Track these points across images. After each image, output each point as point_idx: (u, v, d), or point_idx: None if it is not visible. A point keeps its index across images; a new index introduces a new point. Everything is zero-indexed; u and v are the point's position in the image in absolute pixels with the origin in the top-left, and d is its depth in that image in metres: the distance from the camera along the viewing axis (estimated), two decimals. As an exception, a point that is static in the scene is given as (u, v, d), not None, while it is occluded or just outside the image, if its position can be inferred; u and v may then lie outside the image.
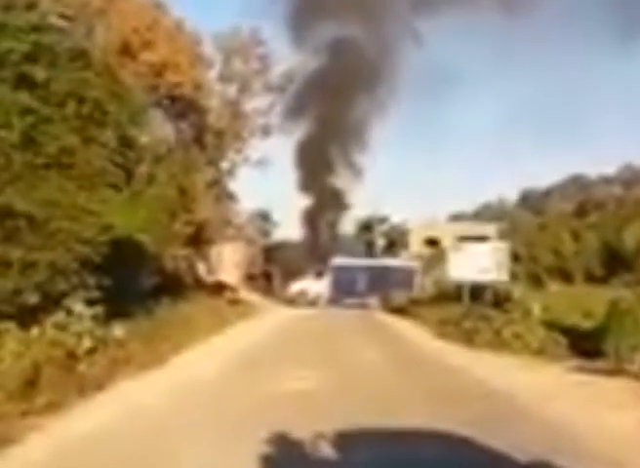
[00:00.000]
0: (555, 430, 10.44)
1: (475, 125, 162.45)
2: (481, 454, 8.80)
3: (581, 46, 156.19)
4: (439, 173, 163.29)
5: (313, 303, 53.03)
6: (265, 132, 46.73)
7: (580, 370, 16.56)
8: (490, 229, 66.76)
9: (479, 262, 30.00)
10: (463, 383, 15.42)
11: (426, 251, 67.82)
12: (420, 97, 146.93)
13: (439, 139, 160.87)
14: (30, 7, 16.96)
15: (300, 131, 67.65)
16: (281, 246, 74.35)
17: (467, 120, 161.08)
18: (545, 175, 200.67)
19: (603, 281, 41.87)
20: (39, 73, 15.64)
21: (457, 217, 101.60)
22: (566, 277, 45.76)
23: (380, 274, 55.84)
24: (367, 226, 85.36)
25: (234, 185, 49.58)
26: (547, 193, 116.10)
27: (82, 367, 13.48)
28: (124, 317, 18.60)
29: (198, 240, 39.41)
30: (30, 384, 11.16)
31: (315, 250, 67.74)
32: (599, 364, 16.43)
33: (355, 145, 72.93)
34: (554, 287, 37.80)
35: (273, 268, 68.38)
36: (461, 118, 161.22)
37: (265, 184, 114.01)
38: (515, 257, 35.65)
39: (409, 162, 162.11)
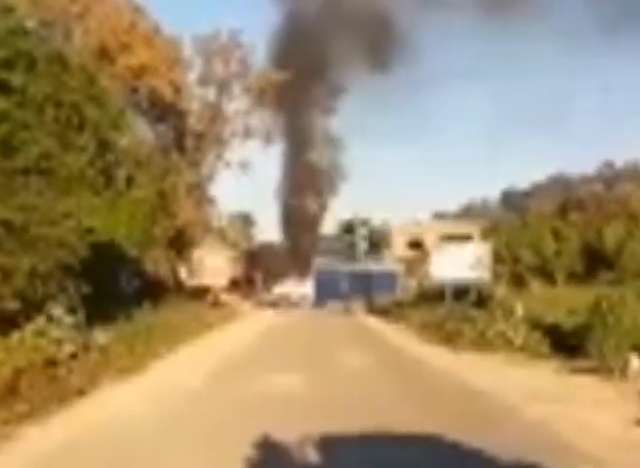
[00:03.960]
0: (539, 430, 10.43)
1: (457, 125, 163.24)
2: (466, 456, 8.78)
3: (562, 47, 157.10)
4: (421, 173, 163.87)
5: (296, 306, 53.04)
6: (246, 134, 46.62)
7: (564, 369, 16.57)
8: (472, 229, 66.93)
9: (461, 262, 30.07)
10: (447, 385, 15.41)
11: (409, 252, 67.86)
12: (405, 98, 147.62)
13: (421, 140, 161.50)
14: (7, 12, 16.84)
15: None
16: (263, 249, 74.36)
17: (449, 120, 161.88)
18: (527, 174, 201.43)
19: (584, 280, 41.98)
20: (16, 78, 15.53)
21: (439, 217, 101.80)
22: (548, 276, 45.87)
23: (362, 277, 55.93)
24: (349, 227, 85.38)
25: (216, 188, 49.55)
26: (529, 192, 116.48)
27: (63, 373, 13.37)
28: (105, 322, 18.51)
29: (179, 243, 39.30)
30: (10, 391, 11.06)
31: (298, 253, 67.81)
32: (582, 363, 16.44)
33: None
34: (536, 286, 37.87)
35: (256, 271, 68.32)
36: (444, 119, 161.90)
37: (247, 187, 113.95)
38: (497, 257, 35.71)
39: (391, 162, 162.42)
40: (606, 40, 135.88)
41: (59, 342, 14.33)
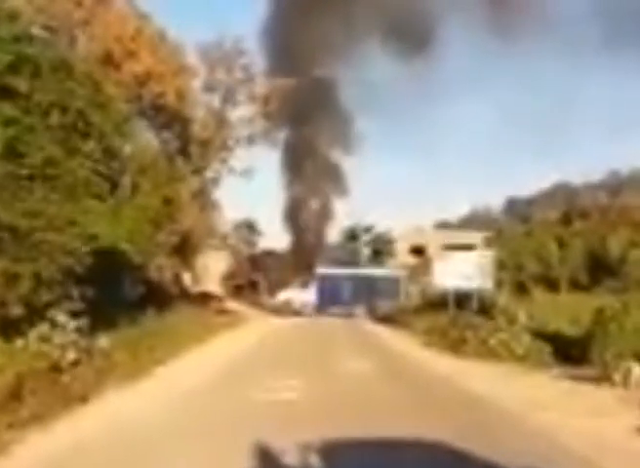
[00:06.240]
0: (541, 439, 10.44)
1: (461, 133, 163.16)
2: (468, 464, 8.78)
3: (567, 56, 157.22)
4: (424, 181, 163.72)
5: (299, 313, 53.07)
6: (250, 141, 46.65)
7: (566, 377, 16.58)
8: (476, 237, 66.89)
9: (464, 270, 30.09)
10: (450, 393, 15.40)
11: (412, 259, 67.88)
12: (407, 106, 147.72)
13: (425, 148, 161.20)
14: (13, 18, 16.92)
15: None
16: (267, 255, 74.42)
17: (453, 129, 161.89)
18: (531, 182, 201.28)
19: (588, 288, 41.96)
20: (22, 84, 15.60)
21: (442, 226, 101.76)
22: (551, 284, 45.80)
23: (365, 283, 55.93)
24: (352, 235, 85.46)
25: (219, 195, 49.49)
26: (533, 201, 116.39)
27: (66, 378, 13.38)
28: (109, 327, 18.53)
29: (183, 250, 39.29)
30: (14, 397, 11.07)
31: (301, 259, 67.84)
32: (585, 371, 16.45)
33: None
34: (539, 294, 37.87)
35: (259, 278, 68.38)
36: (447, 127, 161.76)
37: (251, 194, 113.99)
38: (501, 265, 35.73)
39: (394, 170, 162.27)
40: (610, 50, 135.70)
41: (62, 348, 14.35)
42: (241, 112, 46.67)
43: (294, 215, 76.32)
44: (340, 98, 77.29)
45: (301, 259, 68.08)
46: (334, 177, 77.31)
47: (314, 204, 77.63)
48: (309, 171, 75.74)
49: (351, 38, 77.01)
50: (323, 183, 77.61)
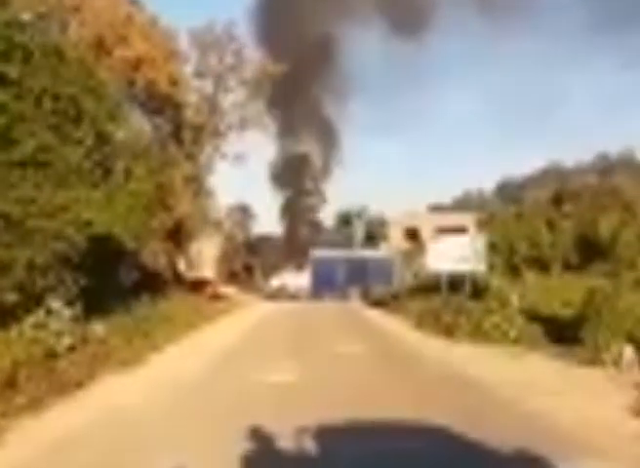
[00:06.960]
0: (536, 420, 10.51)
1: (453, 116, 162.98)
2: (464, 447, 8.85)
3: (555, 38, 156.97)
4: (417, 164, 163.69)
5: (294, 297, 53.17)
6: (243, 126, 46.58)
7: (559, 359, 16.65)
8: (468, 219, 66.95)
9: (457, 253, 30.10)
10: (443, 376, 15.44)
11: (406, 243, 67.94)
12: (399, 88, 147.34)
13: (417, 131, 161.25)
14: (3, 4, 16.87)
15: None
16: (261, 240, 74.47)
17: (445, 112, 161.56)
18: (522, 164, 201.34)
19: (579, 270, 42.03)
20: (13, 70, 15.57)
21: (435, 208, 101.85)
22: (542, 266, 45.91)
23: (359, 267, 56.07)
24: (346, 219, 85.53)
25: (213, 180, 49.49)
26: (524, 183, 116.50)
27: (62, 365, 13.43)
28: (104, 314, 18.57)
29: (177, 236, 39.31)
30: (9, 384, 11.11)
31: (295, 242, 67.86)
32: (577, 353, 16.52)
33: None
34: (531, 276, 37.95)
35: (254, 262, 68.42)
36: (439, 110, 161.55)
37: (244, 178, 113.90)
38: (493, 248, 35.77)
39: (387, 154, 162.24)
40: (599, 31, 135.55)
41: (58, 335, 14.39)
42: (233, 98, 46.63)
43: (288, 173, 75.70)
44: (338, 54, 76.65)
45: (296, 243, 68.04)
46: (327, 134, 76.81)
47: (314, 158, 76.99)
48: (303, 125, 75.11)
49: (346, 17, 76.71)
50: (317, 138, 77.04)
